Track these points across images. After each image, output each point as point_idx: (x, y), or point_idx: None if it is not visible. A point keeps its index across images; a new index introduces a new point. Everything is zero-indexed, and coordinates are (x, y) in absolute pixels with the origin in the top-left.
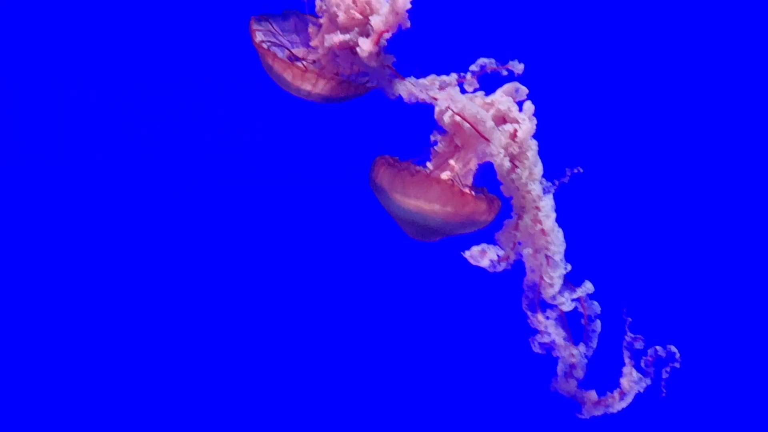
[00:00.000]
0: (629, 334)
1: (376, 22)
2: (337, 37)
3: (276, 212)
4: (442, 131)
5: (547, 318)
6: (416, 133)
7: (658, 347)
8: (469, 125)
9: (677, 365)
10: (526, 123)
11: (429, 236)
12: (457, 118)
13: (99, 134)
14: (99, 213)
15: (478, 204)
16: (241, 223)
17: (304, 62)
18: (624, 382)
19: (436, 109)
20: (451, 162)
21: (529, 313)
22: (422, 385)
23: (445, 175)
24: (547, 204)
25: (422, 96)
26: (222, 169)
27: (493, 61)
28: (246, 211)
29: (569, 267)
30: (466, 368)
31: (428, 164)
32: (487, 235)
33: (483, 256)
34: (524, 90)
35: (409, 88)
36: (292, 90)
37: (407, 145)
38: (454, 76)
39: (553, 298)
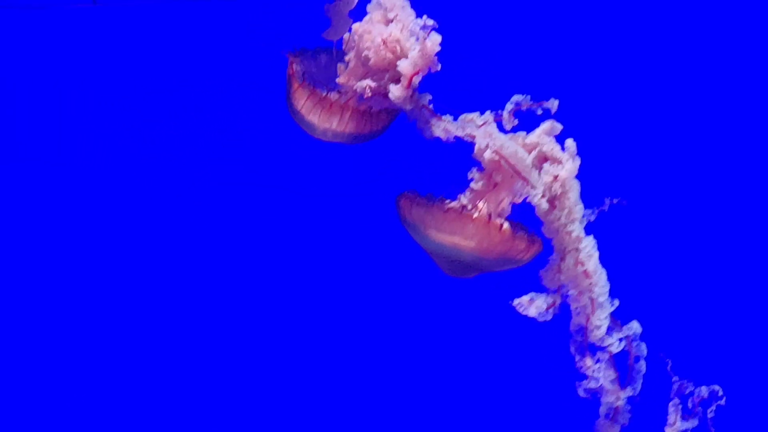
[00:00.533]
0: (675, 378)
1: (404, 66)
2: (367, 83)
3: (310, 252)
4: (479, 169)
5: (597, 361)
6: (444, 167)
7: (703, 388)
8: (507, 163)
9: (722, 403)
10: (569, 163)
11: (465, 272)
12: (496, 156)
13: (112, 149)
14: (114, 226)
15: (516, 242)
16: (276, 266)
17: (332, 98)
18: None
19: (475, 146)
20: (488, 199)
21: (577, 357)
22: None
23: (481, 212)
24: (588, 244)
25: (460, 134)
26: (249, 213)
27: (527, 98)
28: (280, 256)
29: (616, 304)
30: (502, 403)
31: (462, 199)
32: (525, 271)
33: (531, 305)
34: (559, 127)
35: (446, 127)
36: (318, 129)
37: (434, 180)
38: (491, 114)
39: (602, 340)
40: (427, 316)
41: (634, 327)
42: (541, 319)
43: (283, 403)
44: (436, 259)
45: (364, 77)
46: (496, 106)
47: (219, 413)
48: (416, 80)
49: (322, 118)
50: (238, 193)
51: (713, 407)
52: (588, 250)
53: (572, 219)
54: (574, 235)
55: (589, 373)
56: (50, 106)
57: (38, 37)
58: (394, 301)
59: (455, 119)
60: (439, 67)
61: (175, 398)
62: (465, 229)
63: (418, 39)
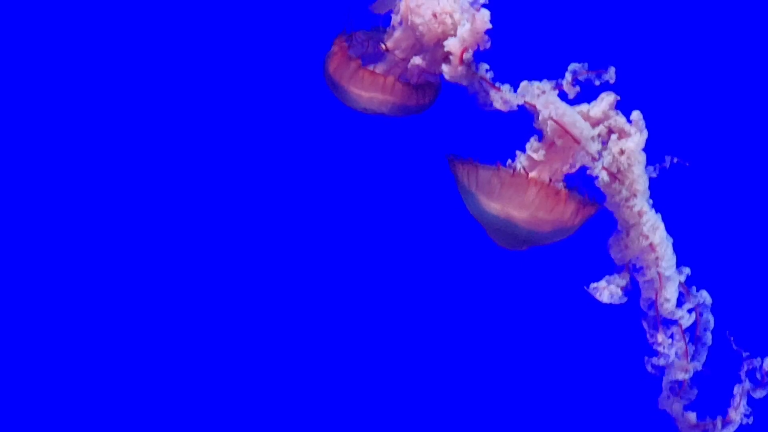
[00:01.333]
0: (745, 357)
1: (453, 44)
2: (417, 60)
3: (361, 223)
4: (539, 137)
5: (671, 336)
6: (493, 141)
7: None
8: (567, 132)
9: None
10: (637, 135)
11: (518, 244)
12: (556, 125)
13: (133, 140)
14: (122, 218)
15: (571, 205)
16: (321, 230)
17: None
18: (732, 412)
19: (536, 115)
20: (545, 167)
21: (649, 332)
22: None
23: (540, 177)
24: (652, 217)
25: (520, 102)
26: (298, 184)
27: (585, 66)
28: (329, 220)
29: (686, 273)
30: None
31: (519, 165)
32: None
33: (604, 290)
34: (616, 98)
35: (506, 97)
36: (362, 99)
37: (484, 152)
38: (550, 82)
39: (672, 313)
40: (480, 290)
41: (704, 297)
42: (614, 303)
43: (310, 371)
44: (490, 230)
45: (412, 48)
46: (555, 76)
47: (234, 406)
48: (467, 56)
49: (366, 88)
50: (281, 169)
51: None
52: (652, 223)
53: (635, 192)
54: (636, 209)
55: (660, 348)
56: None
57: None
58: (445, 274)
59: (514, 89)
60: (488, 45)
61: (181, 395)
62: (523, 193)
63: (468, 15)
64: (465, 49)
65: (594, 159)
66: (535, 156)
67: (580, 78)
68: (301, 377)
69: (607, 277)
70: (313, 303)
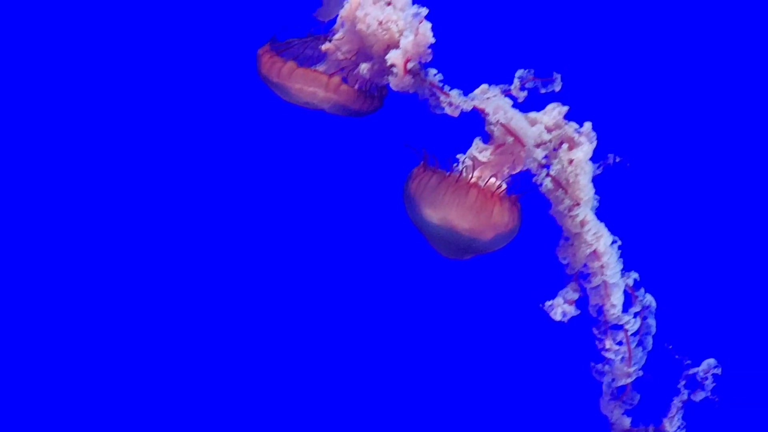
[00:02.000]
0: (686, 365)
1: (394, 56)
2: (365, 69)
3: (301, 231)
4: (484, 140)
5: (619, 343)
6: (439, 143)
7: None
8: (514, 137)
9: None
10: (585, 146)
11: (461, 252)
12: (503, 130)
13: (104, 144)
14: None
15: (511, 210)
16: (264, 240)
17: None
18: (666, 423)
19: (485, 119)
20: (488, 170)
21: (599, 339)
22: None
23: (482, 181)
24: (596, 225)
25: (469, 107)
26: (245, 190)
27: (531, 72)
28: (271, 229)
29: (633, 277)
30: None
31: (462, 169)
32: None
33: (558, 308)
34: (564, 109)
35: (455, 101)
36: (304, 94)
37: (431, 154)
38: (500, 87)
39: (618, 318)
40: (424, 300)
41: (649, 301)
42: (565, 320)
43: (285, 388)
44: (432, 239)
45: (357, 53)
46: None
47: (226, 407)
48: (412, 66)
49: (307, 83)
50: (215, 165)
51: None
52: (595, 231)
53: (579, 201)
54: (578, 219)
55: (608, 354)
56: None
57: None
58: (389, 283)
59: (464, 93)
60: (430, 58)
61: (178, 395)
62: (464, 197)
63: (411, 26)
64: (408, 60)
65: (539, 166)
66: (479, 156)
67: (527, 85)
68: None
69: (560, 292)
70: (238, 308)
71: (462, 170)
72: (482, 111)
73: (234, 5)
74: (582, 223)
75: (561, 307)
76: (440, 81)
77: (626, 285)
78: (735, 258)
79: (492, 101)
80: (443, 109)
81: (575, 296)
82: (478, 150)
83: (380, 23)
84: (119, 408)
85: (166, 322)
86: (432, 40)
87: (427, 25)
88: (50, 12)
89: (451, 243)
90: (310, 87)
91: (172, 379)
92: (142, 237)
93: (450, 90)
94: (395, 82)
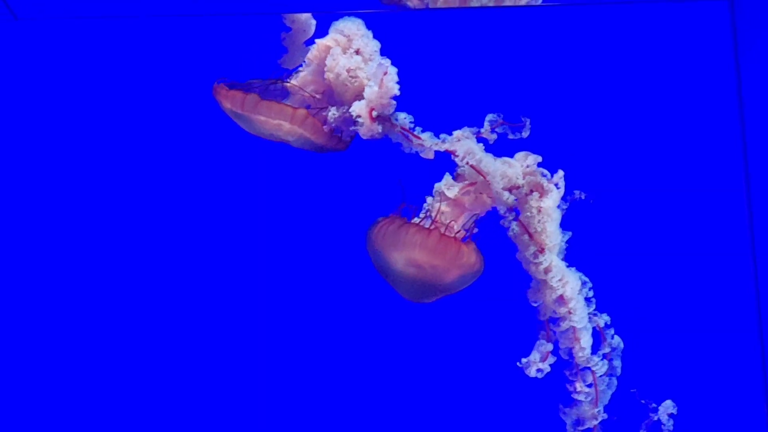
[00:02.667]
0: (650, 408)
1: (359, 108)
2: (335, 115)
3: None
4: (453, 180)
5: (590, 386)
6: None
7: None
8: (482, 179)
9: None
10: (554, 193)
11: (425, 295)
12: (472, 171)
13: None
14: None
15: (476, 252)
16: (230, 285)
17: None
18: None
19: (456, 159)
20: (453, 213)
21: (571, 381)
22: None
23: (447, 221)
24: (562, 271)
25: (440, 149)
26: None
27: (500, 117)
28: (239, 274)
29: (603, 320)
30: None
31: (427, 213)
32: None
33: (532, 366)
34: (535, 158)
35: (427, 144)
36: (269, 126)
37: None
38: (470, 130)
39: (587, 360)
40: (391, 341)
41: (617, 342)
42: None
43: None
44: (397, 282)
45: (324, 94)
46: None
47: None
48: (380, 113)
49: (272, 116)
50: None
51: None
52: (560, 278)
53: (545, 247)
54: (542, 266)
55: (577, 396)
56: None
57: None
58: (355, 323)
59: (435, 135)
60: (392, 109)
61: (164, 403)
62: (428, 239)
63: (375, 77)
64: (372, 110)
65: (508, 209)
66: (447, 192)
67: (497, 129)
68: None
69: (534, 348)
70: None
71: (428, 211)
72: (453, 153)
73: (201, 49)
74: (546, 270)
75: (536, 365)
76: (411, 124)
77: (597, 326)
78: (704, 300)
79: (463, 143)
80: (417, 151)
81: (549, 348)
82: (447, 186)
83: (349, 72)
84: (118, 408)
85: (151, 340)
86: (396, 92)
87: (390, 77)
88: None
89: (415, 284)
90: (275, 119)
91: (166, 380)
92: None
93: (421, 133)
94: (363, 131)
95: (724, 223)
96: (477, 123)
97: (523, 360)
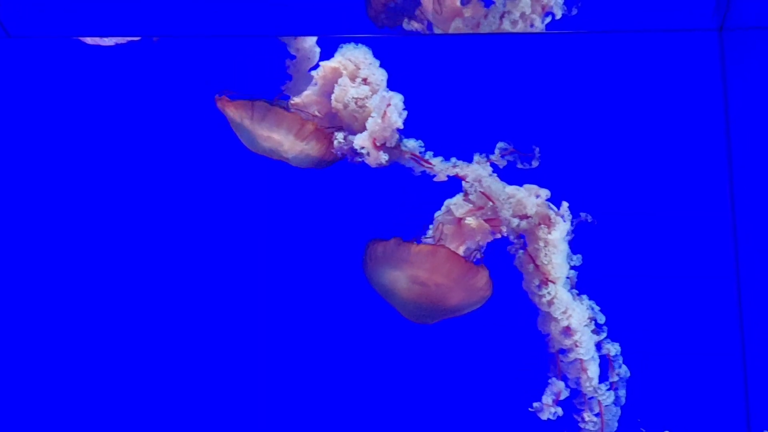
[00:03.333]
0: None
1: (362, 141)
2: (342, 144)
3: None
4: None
5: (597, 415)
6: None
7: None
8: (491, 205)
9: None
10: (561, 225)
11: (429, 316)
12: (481, 197)
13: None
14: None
15: (481, 274)
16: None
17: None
18: None
19: (467, 185)
20: (460, 236)
21: (579, 410)
22: None
23: (454, 244)
24: (566, 303)
25: (452, 174)
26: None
27: (510, 146)
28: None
29: (614, 349)
30: None
31: (433, 234)
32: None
33: (546, 410)
34: (543, 192)
35: (437, 168)
36: (272, 141)
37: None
38: (481, 156)
39: (594, 390)
40: (389, 361)
41: (624, 372)
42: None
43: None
44: (398, 303)
45: (323, 114)
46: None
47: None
48: (379, 143)
49: (279, 129)
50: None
51: None
52: (563, 310)
53: (549, 279)
54: (545, 298)
55: (585, 426)
56: None
57: None
58: (349, 344)
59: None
60: (395, 141)
61: (159, 406)
62: (434, 259)
63: (379, 109)
64: (375, 140)
65: (516, 235)
66: (456, 211)
67: (507, 157)
68: None
69: (546, 391)
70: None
71: (434, 230)
72: (463, 178)
73: (201, 70)
74: (549, 303)
75: (549, 408)
76: (421, 148)
77: (607, 354)
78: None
79: (473, 168)
80: (427, 172)
81: (561, 388)
82: (457, 205)
83: (357, 102)
84: (118, 408)
85: (152, 354)
86: (399, 125)
87: (394, 109)
88: None
89: (418, 304)
90: (281, 129)
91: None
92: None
93: (432, 158)
94: (371, 161)
95: (710, 251)
96: (479, 147)
97: (536, 404)
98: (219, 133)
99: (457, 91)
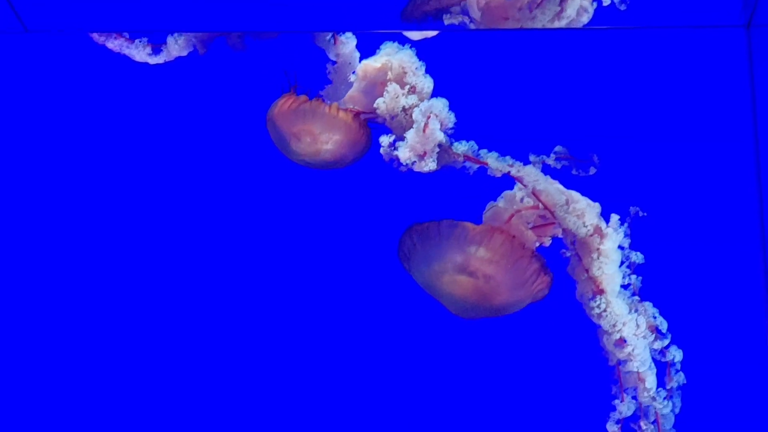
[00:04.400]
0: None
1: (404, 155)
2: (385, 149)
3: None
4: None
5: (654, 422)
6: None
7: None
8: (544, 206)
9: None
10: (613, 236)
11: (474, 311)
12: (535, 199)
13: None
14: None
15: (533, 264)
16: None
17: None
18: None
19: (520, 184)
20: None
21: (636, 419)
22: None
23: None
24: (618, 314)
25: (505, 171)
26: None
27: (567, 152)
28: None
29: (677, 356)
30: None
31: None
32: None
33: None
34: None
35: (493, 166)
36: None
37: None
38: (536, 157)
39: (651, 400)
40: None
41: (680, 379)
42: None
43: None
44: (441, 294)
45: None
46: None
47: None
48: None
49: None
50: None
51: None
52: (613, 322)
53: (600, 290)
54: (596, 310)
55: None
56: None
57: None
58: (396, 344)
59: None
60: (435, 151)
61: (164, 404)
62: (488, 241)
63: (421, 118)
64: (417, 152)
65: (571, 241)
66: (506, 210)
67: (563, 163)
68: None
69: (611, 416)
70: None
71: (488, 217)
72: (519, 179)
73: (218, 65)
74: (599, 315)
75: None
76: (474, 150)
77: (668, 361)
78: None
79: (529, 170)
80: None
81: (624, 410)
82: (512, 202)
83: (405, 111)
84: (118, 408)
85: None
86: (441, 139)
87: (435, 125)
88: None
89: (464, 297)
90: (324, 120)
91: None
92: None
93: (486, 155)
94: (419, 169)
95: (738, 250)
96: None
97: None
98: (241, 131)
99: (496, 89)
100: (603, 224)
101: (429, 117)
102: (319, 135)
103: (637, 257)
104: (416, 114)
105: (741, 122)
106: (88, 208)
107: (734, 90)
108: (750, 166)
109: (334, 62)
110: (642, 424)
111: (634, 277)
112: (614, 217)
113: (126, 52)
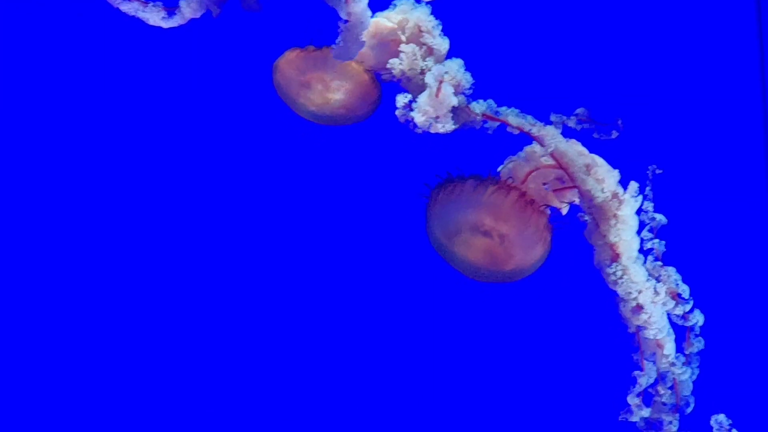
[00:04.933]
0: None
1: (419, 119)
2: (401, 112)
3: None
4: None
5: (671, 388)
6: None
7: None
8: (563, 167)
9: None
10: (631, 202)
11: (488, 274)
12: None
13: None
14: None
15: (544, 222)
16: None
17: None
18: None
19: (539, 145)
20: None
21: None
22: None
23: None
24: (634, 280)
25: (526, 129)
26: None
27: (586, 112)
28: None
29: (699, 321)
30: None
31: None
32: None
33: (636, 413)
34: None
35: (514, 123)
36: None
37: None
38: (557, 116)
39: (669, 366)
40: (446, 321)
41: (700, 344)
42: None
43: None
44: (454, 258)
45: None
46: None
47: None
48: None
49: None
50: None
51: None
52: (627, 288)
53: (618, 256)
54: (613, 277)
55: (659, 399)
56: None
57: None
58: (411, 305)
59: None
60: (449, 116)
61: (175, 398)
62: (506, 198)
63: (434, 82)
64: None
65: (588, 206)
66: (535, 151)
67: (583, 126)
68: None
69: (630, 392)
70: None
71: (504, 173)
72: (539, 138)
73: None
74: (615, 282)
75: (638, 412)
76: (492, 108)
77: (692, 325)
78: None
79: (549, 130)
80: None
81: (644, 383)
82: (533, 154)
83: (422, 73)
84: (118, 408)
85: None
86: (454, 103)
87: (447, 90)
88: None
89: (477, 259)
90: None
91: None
92: (134, 249)
93: (506, 112)
94: (436, 130)
95: (748, 229)
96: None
97: (623, 413)
98: (255, 92)
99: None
100: (621, 190)
101: (442, 81)
102: (330, 82)
103: (661, 219)
104: (429, 78)
105: (749, 92)
106: (103, 163)
107: (743, 59)
108: (759, 137)
109: (346, 21)
110: (659, 388)
111: (656, 241)
112: (633, 184)
113: (140, 15)
